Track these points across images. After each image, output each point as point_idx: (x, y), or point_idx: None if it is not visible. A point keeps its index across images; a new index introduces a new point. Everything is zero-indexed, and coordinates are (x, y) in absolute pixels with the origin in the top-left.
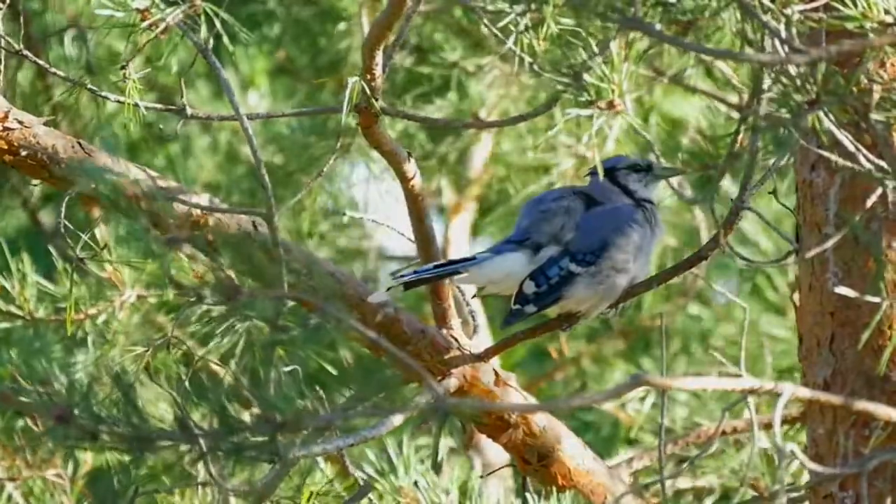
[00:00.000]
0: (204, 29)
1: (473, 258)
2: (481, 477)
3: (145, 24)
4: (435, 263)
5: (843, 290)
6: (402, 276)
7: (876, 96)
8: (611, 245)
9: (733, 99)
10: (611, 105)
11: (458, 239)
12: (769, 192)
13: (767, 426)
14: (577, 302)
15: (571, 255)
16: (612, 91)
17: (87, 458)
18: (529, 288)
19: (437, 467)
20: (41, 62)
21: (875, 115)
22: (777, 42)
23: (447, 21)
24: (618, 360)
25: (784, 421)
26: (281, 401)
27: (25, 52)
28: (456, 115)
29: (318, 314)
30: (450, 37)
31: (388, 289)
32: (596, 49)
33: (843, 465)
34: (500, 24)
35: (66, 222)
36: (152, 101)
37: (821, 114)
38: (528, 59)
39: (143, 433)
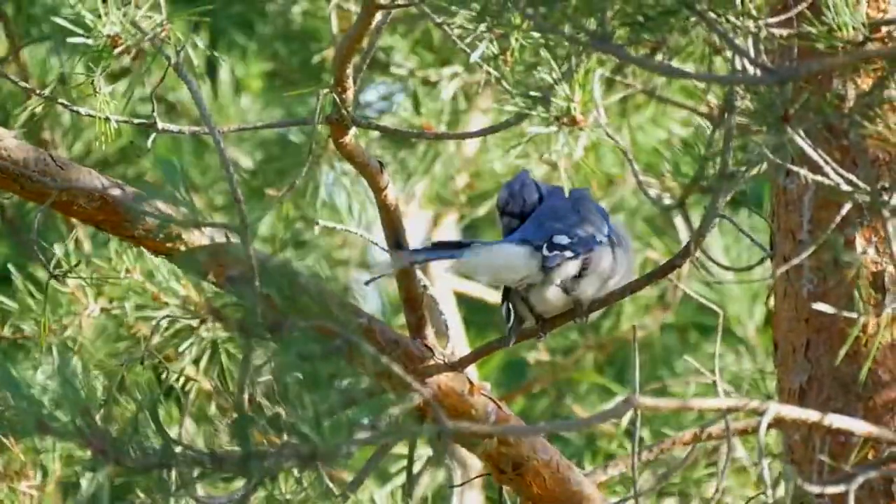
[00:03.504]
0: (173, 49)
1: (469, 245)
2: (457, 486)
3: (117, 50)
4: (436, 243)
5: (820, 307)
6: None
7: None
8: (613, 225)
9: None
10: (573, 121)
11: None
12: (739, 198)
13: (743, 432)
14: (599, 277)
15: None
16: (575, 108)
17: (57, 468)
18: (562, 240)
19: (411, 480)
20: (11, 77)
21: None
22: (746, 61)
23: (412, 34)
24: (594, 372)
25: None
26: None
27: None
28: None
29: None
30: (414, 49)
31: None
32: (559, 72)
33: (818, 471)
34: (467, 39)
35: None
36: (138, 105)
37: (791, 130)
38: (494, 73)
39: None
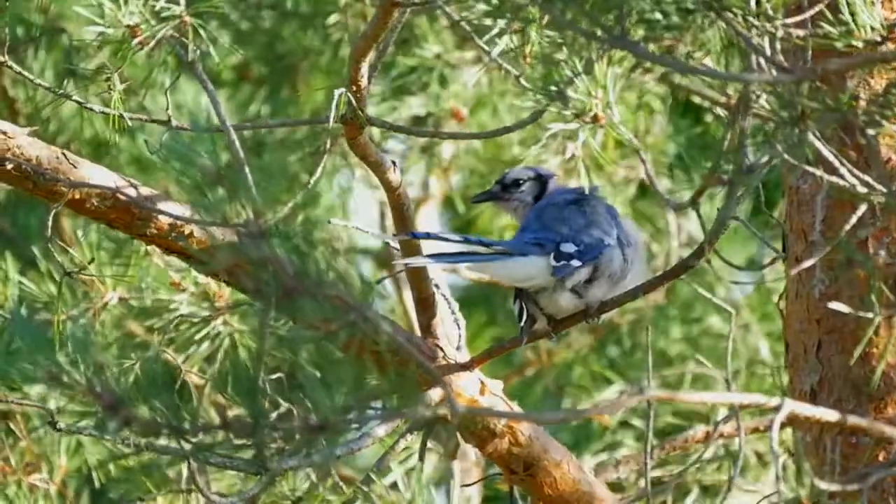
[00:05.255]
0: (192, 45)
1: (487, 245)
2: (466, 486)
3: (136, 41)
4: (460, 238)
5: (835, 306)
6: (427, 234)
7: (863, 104)
8: (623, 225)
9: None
10: (595, 118)
11: (424, 227)
12: (754, 201)
13: (754, 430)
14: (609, 281)
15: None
16: (597, 105)
17: (63, 462)
18: (569, 248)
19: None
20: (26, 73)
21: (868, 130)
22: (762, 60)
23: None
24: (588, 356)
25: (770, 426)
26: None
27: (10, 64)
28: (436, 109)
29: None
30: (435, 31)
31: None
32: (580, 67)
33: (830, 471)
34: (486, 37)
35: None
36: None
37: (807, 129)
38: (513, 71)
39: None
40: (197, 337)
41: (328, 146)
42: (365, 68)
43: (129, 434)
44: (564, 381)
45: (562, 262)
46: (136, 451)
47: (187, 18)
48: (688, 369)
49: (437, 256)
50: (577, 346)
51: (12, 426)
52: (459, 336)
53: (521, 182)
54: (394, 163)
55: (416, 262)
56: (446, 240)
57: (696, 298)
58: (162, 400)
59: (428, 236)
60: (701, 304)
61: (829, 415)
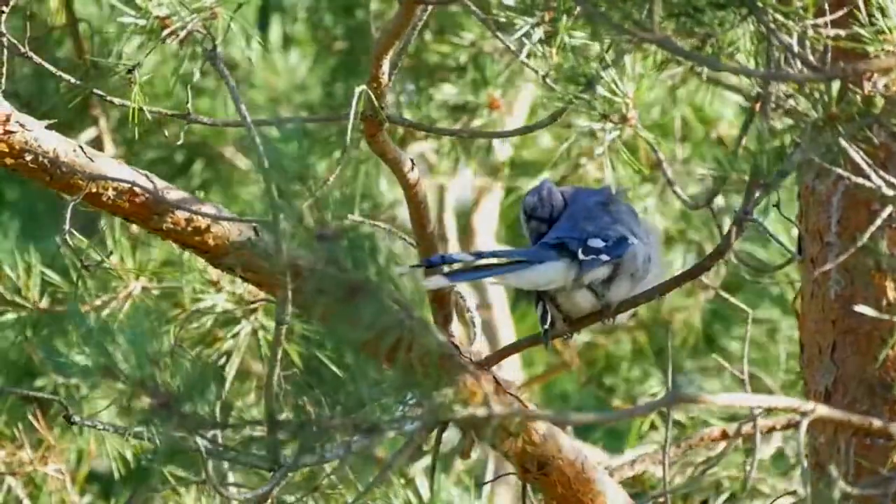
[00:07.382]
0: (220, 38)
1: (512, 258)
2: (483, 484)
3: (166, 32)
4: (472, 257)
5: (861, 309)
6: (444, 262)
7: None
8: (644, 226)
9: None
10: (623, 119)
11: (483, 228)
12: (773, 206)
13: (771, 429)
14: (629, 280)
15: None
16: (626, 105)
17: (92, 448)
18: (596, 243)
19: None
20: (47, 64)
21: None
22: (792, 58)
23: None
24: (634, 351)
25: (787, 426)
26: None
27: (30, 54)
28: (472, 95)
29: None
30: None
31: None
32: (609, 61)
33: (844, 472)
34: (514, 36)
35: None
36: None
37: (834, 131)
38: (540, 72)
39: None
40: (221, 328)
41: (349, 143)
42: (386, 65)
43: (177, 431)
44: (606, 375)
45: (590, 257)
46: (150, 438)
47: (218, 10)
48: (710, 366)
49: (457, 275)
50: (624, 342)
51: (29, 416)
52: (475, 333)
53: (553, 202)
54: (412, 161)
55: (436, 284)
56: (460, 261)
57: (758, 295)
58: (210, 394)
59: (442, 260)
60: (762, 300)
61: (860, 420)
